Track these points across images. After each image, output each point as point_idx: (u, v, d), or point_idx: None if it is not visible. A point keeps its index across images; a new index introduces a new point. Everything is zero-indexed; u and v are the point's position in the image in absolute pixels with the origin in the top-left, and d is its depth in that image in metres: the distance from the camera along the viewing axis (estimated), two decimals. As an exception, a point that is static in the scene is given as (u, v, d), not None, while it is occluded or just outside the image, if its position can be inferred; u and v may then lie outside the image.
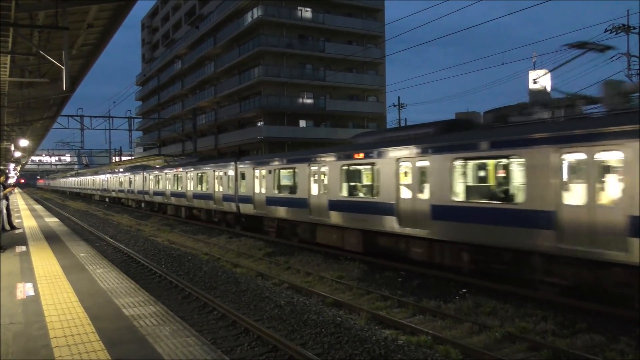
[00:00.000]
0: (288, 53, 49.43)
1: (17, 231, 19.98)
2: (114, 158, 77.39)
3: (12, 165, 50.53)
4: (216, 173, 25.54)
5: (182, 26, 70.69)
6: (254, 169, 21.64)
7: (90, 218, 35.55)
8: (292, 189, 19.18)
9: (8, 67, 14.49)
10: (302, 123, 51.29)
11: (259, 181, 21.24)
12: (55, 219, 27.36)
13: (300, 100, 50.64)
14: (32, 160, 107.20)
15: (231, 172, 23.83)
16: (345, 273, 14.04)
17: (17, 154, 36.47)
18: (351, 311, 10.57)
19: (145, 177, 38.95)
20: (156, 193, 36.38)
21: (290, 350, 7.81)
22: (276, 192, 20.10)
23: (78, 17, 12.02)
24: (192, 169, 29.29)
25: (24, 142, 29.13)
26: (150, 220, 32.57)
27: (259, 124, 50.27)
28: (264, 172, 20.87)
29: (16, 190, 69.85)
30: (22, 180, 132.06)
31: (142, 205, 41.46)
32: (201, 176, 28.03)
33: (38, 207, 41.49)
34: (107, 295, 9.08)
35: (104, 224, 30.30)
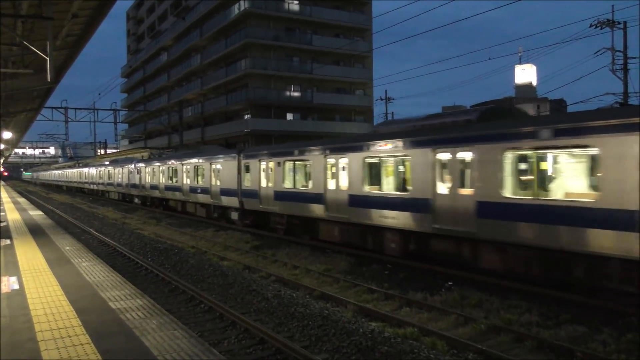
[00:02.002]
0: (275, 45, 49.18)
1: (0, 224, 19.75)
2: (99, 151, 76.54)
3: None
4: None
5: (168, 17, 70.01)
6: None
7: (75, 211, 35.22)
8: None
9: (-10, 57, 14.24)
10: (290, 116, 51.15)
11: None
12: (39, 212, 27.10)
13: (288, 93, 50.46)
14: (16, 153, 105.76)
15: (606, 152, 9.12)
16: (332, 266, 14.11)
17: (0, 147, 35.92)
18: (338, 304, 10.64)
19: (250, 166, 21.19)
20: (286, 196, 18.68)
21: (278, 342, 7.84)
22: None
23: (62, 6, 11.83)
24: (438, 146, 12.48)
25: (7, 135, 28.68)
26: (137, 214, 32.34)
27: (246, 116, 50.03)
28: None
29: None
30: (5, 173, 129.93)
31: (235, 217, 22.73)
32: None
33: (22, 199, 41.06)
34: (93, 289, 9.05)
35: (89, 217, 30.04)
